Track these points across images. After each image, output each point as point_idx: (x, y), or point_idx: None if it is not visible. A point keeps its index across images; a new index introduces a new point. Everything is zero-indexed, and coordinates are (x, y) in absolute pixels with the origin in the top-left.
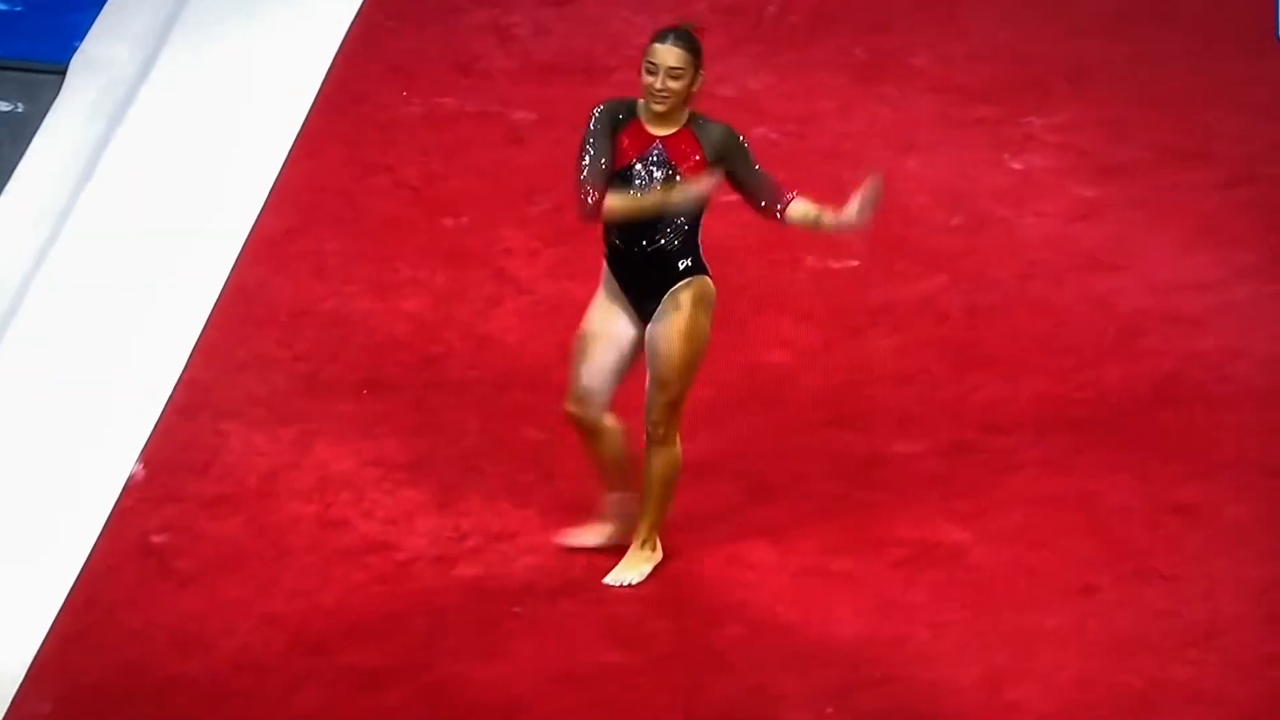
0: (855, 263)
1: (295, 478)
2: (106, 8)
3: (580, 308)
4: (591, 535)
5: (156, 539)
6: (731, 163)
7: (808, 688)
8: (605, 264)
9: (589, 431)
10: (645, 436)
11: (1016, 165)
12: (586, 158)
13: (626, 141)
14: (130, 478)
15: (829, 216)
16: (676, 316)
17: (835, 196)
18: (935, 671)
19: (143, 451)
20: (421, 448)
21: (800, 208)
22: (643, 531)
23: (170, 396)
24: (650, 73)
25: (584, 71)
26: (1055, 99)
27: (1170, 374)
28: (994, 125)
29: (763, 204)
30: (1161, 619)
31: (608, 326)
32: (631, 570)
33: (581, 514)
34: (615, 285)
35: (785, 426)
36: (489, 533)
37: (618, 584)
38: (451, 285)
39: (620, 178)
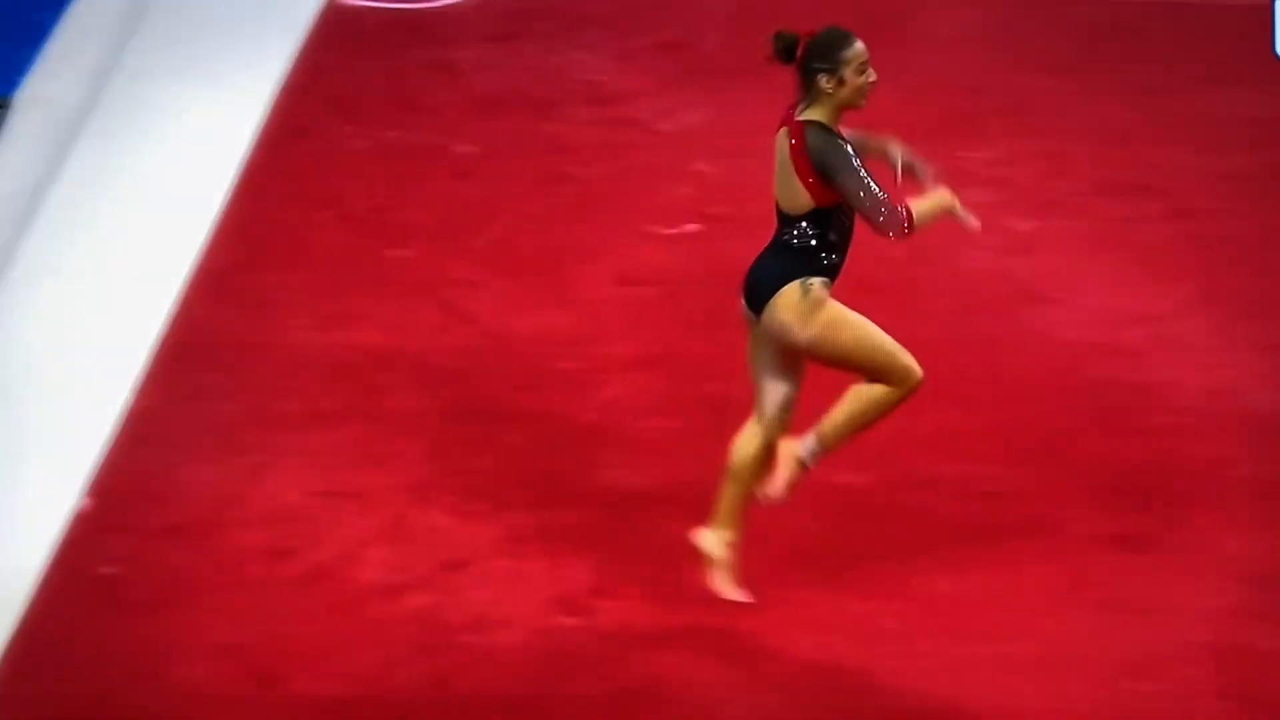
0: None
1: (245, 509)
2: (51, 44)
3: (527, 339)
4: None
5: (106, 570)
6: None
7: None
8: (822, 281)
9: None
10: None
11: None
12: (867, 179)
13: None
14: (78, 509)
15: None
16: None
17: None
18: (906, 702)
19: (91, 483)
20: (371, 478)
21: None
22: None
23: (119, 429)
24: (862, 71)
25: (528, 106)
26: (991, 133)
27: (1113, 406)
28: (934, 160)
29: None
30: (1120, 646)
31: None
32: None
33: (534, 543)
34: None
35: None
36: (439, 562)
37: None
38: (398, 317)
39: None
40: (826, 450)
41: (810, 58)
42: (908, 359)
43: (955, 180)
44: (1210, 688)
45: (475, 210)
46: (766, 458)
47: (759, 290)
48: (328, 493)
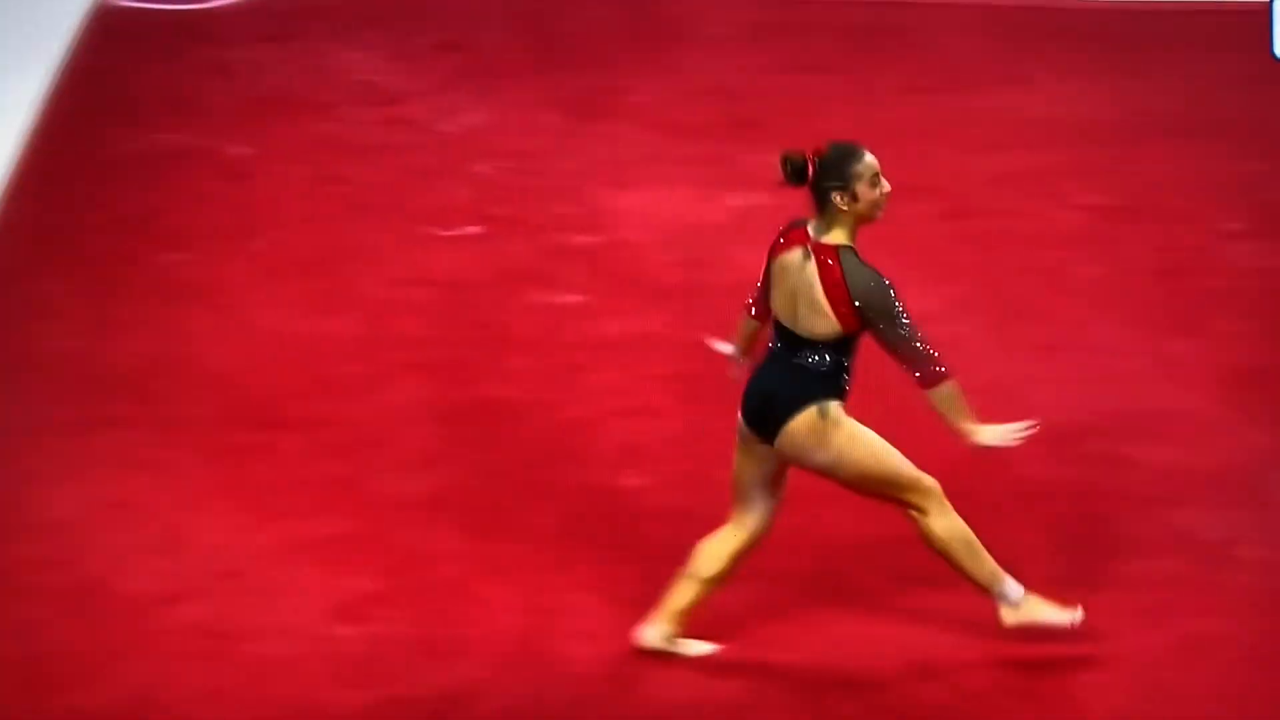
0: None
1: (13, 518)
2: None
3: (305, 343)
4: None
5: None
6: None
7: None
8: (838, 404)
9: None
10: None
11: (733, 202)
12: (910, 326)
13: None
14: None
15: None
16: None
17: (556, 230)
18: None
19: None
20: (143, 487)
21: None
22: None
23: None
24: (876, 184)
25: (303, 107)
26: (769, 135)
27: (894, 407)
28: (710, 162)
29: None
30: (910, 651)
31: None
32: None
33: (312, 551)
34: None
35: (510, 463)
36: (214, 571)
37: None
38: (173, 323)
39: None
40: (1000, 589)
41: (822, 176)
42: (913, 469)
43: (731, 184)
44: (977, 691)
45: (251, 213)
46: (733, 568)
47: (770, 411)
48: (99, 501)
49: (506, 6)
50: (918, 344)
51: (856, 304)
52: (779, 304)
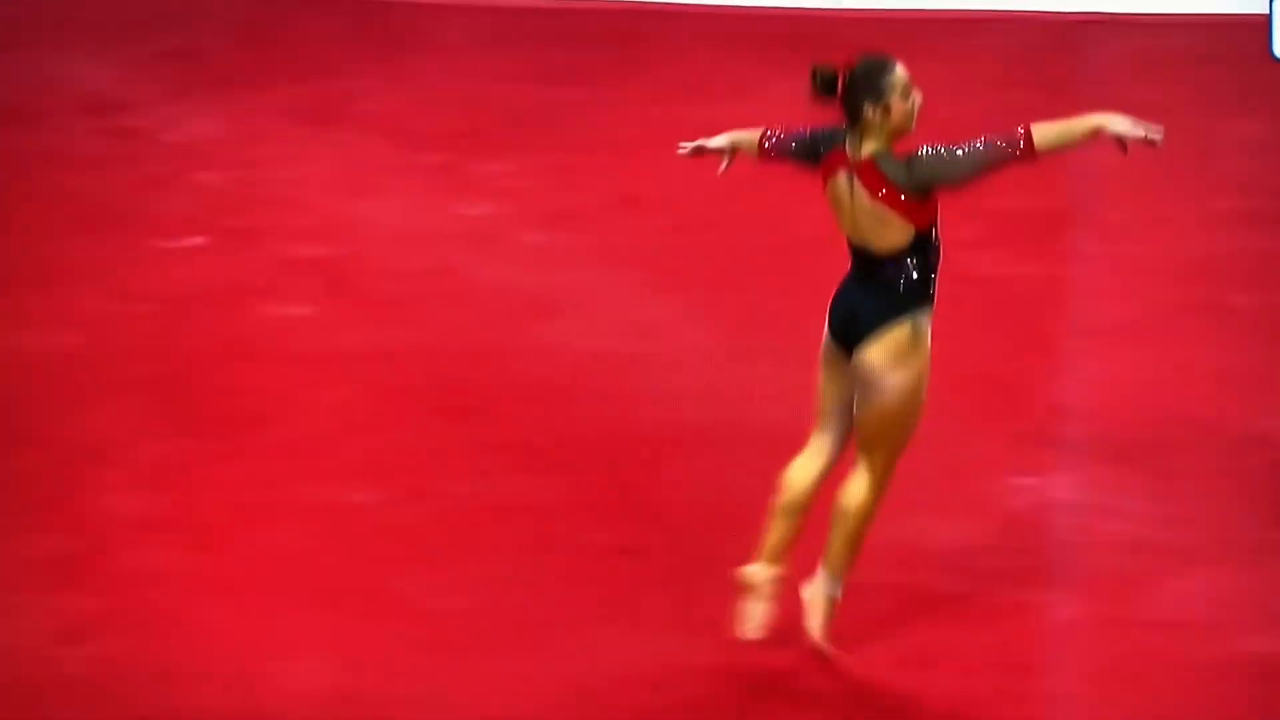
0: None
1: None
2: None
3: (24, 360)
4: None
5: None
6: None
7: None
8: (928, 319)
9: None
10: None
11: (467, 211)
12: (971, 148)
13: None
14: None
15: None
16: None
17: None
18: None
19: None
20: None
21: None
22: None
23: None
24: (908, 95)
25: (18, 117)
26: (504, 145)
27: (621, 416)
28: (444, 171)
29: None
30: (637, 659)
31: None
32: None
33: (32, 573)
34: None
35: (238, 479)
36: None
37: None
38: None
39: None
40: (841, 578)
41: (853, 90)
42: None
43: (465, 193)
44: (730, 701)
45: None
46: (817, 489)
47: (859, 324)
48: None
49: (234, 14)
50: (987, 154)
51: (912, 190)
52: (848, 230)
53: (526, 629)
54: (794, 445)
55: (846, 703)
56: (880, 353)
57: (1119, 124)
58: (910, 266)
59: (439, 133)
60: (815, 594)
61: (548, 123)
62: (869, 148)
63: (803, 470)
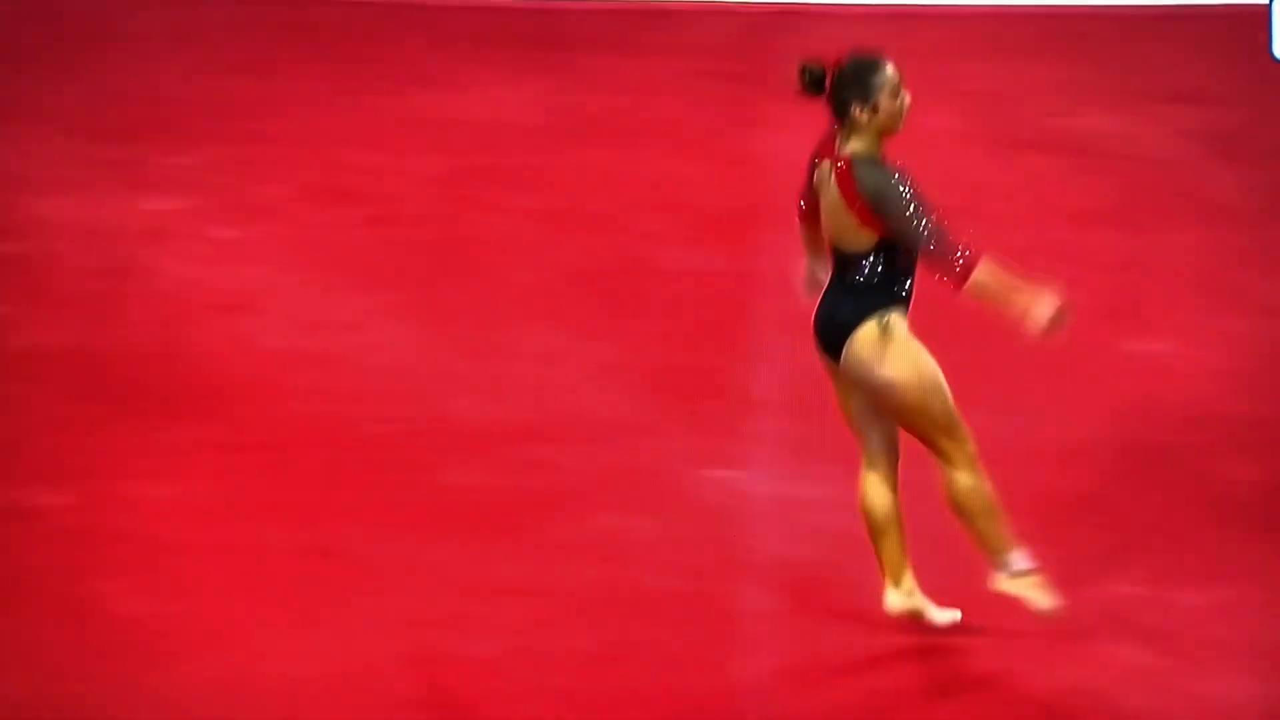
0: None
1: None
2: None
3: None
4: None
5: None
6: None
7: None
8: (900, 315)
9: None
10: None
11: (154, 206)
12: (921, 213)
13: None
14: None
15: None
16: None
17: None
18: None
19: None
20: None
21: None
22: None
23: None
24: (896, 95)
25: None
26: (190, 139)
27: (322, 414)
28: (128, 166)
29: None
30: (319, 662)
31: None
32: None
33: None
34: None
35: None
36: None
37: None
38: None
39: None
40: (1005, 557)
41: (841, 88)
42: (956, 412)
43: (149, 188)
44: (411, 699)
45: None
46: (896, 498)
47: (833, 331)
48: None
49: None
50: (934, 238)
51: (870, 204)
52: (825, 223)
53: (220, 632)
54: (492, 441)
55: (542, 700)
56: (854, 356)
57: (1042, 315)
58: (876, 269)
59: (124, 126)
60: (1012, 587)
61: (235, 116)
62: (852, 146)
63: (873, 489)
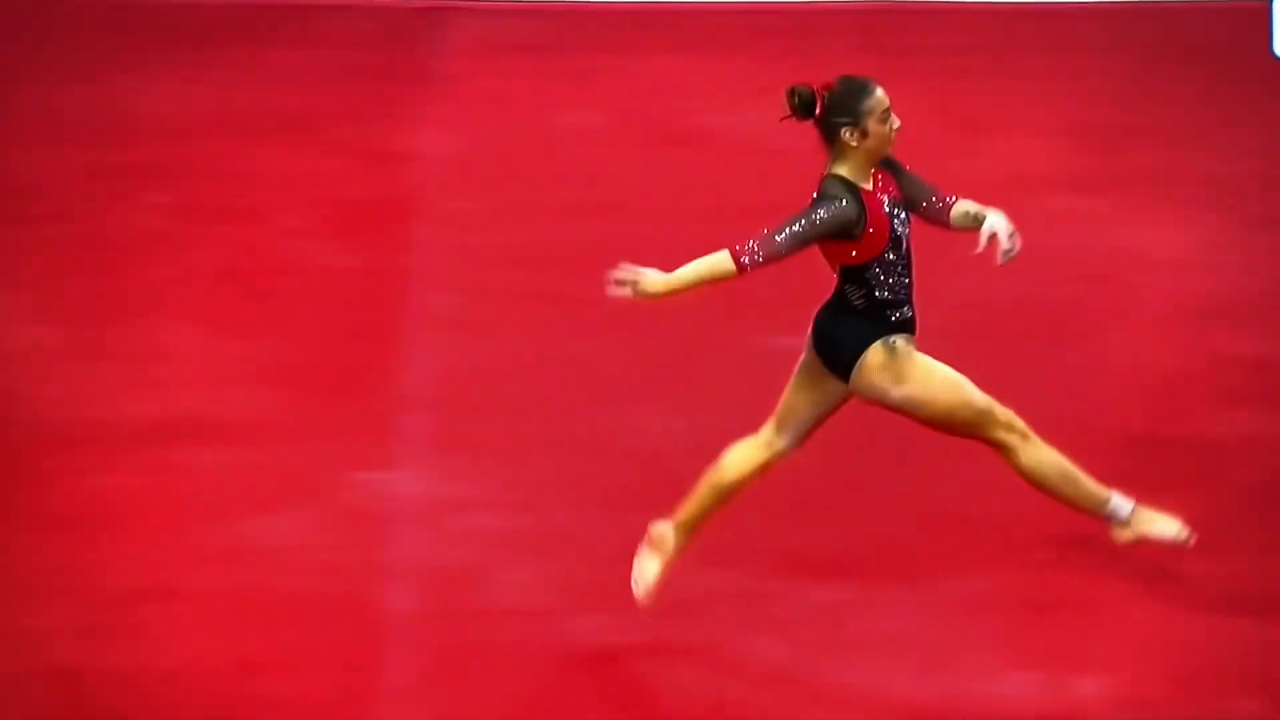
0: None
1: None
2: None
3: None
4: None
5: None
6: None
7: None
8: (904, 338)
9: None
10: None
11: None
12: (785, 228)
13: (874, 208)
14: None
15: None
16: None
17: None
18: None
19: None
20: None
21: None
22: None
23: None
24: (885, 119)
25: None
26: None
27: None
28: None
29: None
30: None
31: None
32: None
33: None
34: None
35: None
36: None
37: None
38: None
39: (891, 241)
40: (1107, 509)
41: (830, 112)
42: (987, 399)
43: None
44: (51, 714)
45: None
46: (750, 484)
47: (836, 353)
48: None
49: None
50: (766, 232)
51: None
52: None
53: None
54: (131, 444)
55: (187, 712)
56: (865, 383)
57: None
58: (855, 292)
59: None
60: (1133, 532)
61: None
62: (838, 168)
63: (743, 457)
